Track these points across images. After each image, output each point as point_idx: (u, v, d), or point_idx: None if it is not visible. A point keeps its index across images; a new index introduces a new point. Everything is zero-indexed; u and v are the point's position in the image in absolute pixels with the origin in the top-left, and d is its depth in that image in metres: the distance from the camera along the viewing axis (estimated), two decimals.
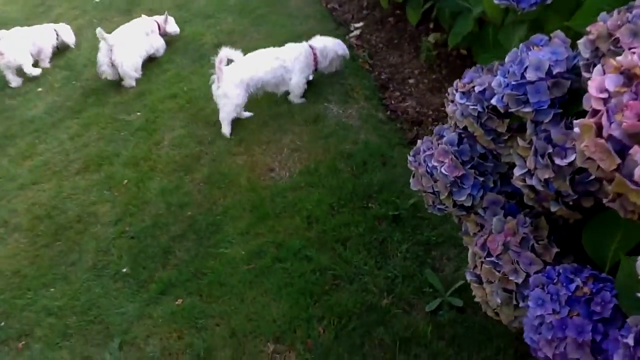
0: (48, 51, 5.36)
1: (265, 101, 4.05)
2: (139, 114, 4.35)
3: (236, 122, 3.85)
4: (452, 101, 1.67)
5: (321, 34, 4.48)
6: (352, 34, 4.95)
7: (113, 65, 4.67)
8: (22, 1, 7.27)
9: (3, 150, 4.32)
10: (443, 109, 3.49)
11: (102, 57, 4.71)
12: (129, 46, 4.73)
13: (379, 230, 2.77)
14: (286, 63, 3.80)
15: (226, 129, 3.80)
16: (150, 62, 5.04)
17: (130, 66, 4.70)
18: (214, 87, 3.76)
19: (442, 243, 2.63)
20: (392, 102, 3.92)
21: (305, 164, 3.36)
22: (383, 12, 4.98)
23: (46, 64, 5.39)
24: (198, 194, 3.38)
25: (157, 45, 5.01)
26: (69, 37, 5.53)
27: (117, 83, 4.80)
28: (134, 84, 4.79)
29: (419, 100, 3.84)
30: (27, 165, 4.14)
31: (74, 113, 4.61)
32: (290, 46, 3.88)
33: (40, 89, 5.06)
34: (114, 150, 4.00)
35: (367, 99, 3.90)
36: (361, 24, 5.09)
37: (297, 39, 4.62)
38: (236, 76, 3.68)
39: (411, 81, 4.08)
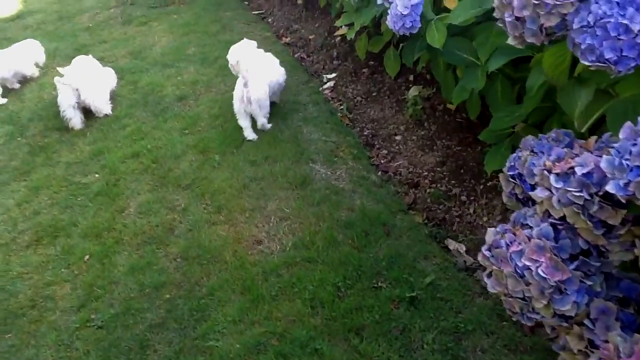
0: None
1: (242, 160, 3.67)
2: (97, 175, 3.88)
3: (210, 186, 3.47)
4: (537, 184, 1.37)
5: (290, 86, 4.20)
6: (325, 86, 4.69)
7: (77, 107, 4.45)
8: None
9: None
10: (438, 169, 3.24)
11: (65, 101, 4.43)
12: (94, 83, 4.54)
13: (397, 316, 2.43)
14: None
15: (267, 125, 4.06)
16: (104, 116, 4.58)
17: (103, 101, 4.63)
18: (239, 93, 3.89)
19: (472, 331, 2.32)
20: (382, 161, 3.65)
21: (299, 235, 3.00)
22: (356, 63, 4.75)
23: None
24: (175, 272, 2.95)
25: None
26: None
27: (68, 141, 4.34)
28: (110, 111, 4.67)
29: (410, 160, 3.58)
30: None
31: (21, 175, 4.08)
32: None
33: None
34: (71, 218, 3.51)
35: (355, 158, 3.60)
36: (334, 75, 4.84)
37: None
38: (263, 79, 3.92)
39: (398, 138, 3.83)
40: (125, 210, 3.52)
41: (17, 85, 5.21)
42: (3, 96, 5.09)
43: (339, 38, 5.35)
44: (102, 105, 4.61)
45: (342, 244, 2.90)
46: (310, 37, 5.61)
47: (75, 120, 4.50)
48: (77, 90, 4.44)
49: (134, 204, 3.55)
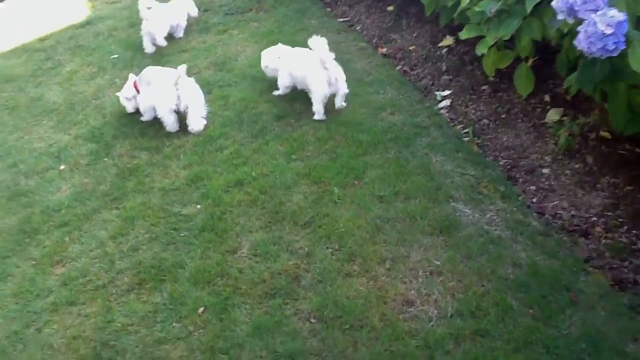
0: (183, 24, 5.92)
1: (368, 194, 3.19)
2: (198, 207, 3.43)
3: (335, 225, 2.98)
4: None
5: (404, 106, 3.98)
6: (440, 105, 4.15)
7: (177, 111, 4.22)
8: (26, 56, 6.31)
9: (24, 251, 3.38)
10: (610, 213, 2.66)
11: (165, 105, 4.26)
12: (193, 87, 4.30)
13: None
14: None
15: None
16: (198, 135, 4.15)
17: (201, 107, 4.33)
18: (324, 76, 3.93)
19: None
20: (533, 200, 3.07)
21: (459, 296, 2.48)
22: (472, 79, 4.22)
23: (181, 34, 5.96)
24: (312, 337, 2.47)
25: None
26: (193, 11, 6.06)
27: (160, 163, 3.99)
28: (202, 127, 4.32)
29: (569, 200, 3.01)
30: (58, 273, 3.18)
31: (112, 201, 3.67)
32: None
33: (63, 167, 4.11)
34: (175, 258, 3.06)
35: (504, 196, 3.07)
36: (447, 92, 4.30)
37: (378, 111, 3.87)
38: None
39: (545, 171, 3.27)
40: (237, 250, 3.06)
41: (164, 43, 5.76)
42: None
43: (445, 49, 4.80)
44: (198, 120, 4.29)
45: (519, 313, 2.37)
46: (410, 47, 5.08)
47: (174, 124, 4.29)
48: (178, 95, 4.13)
49: (247, 244, 3.08)
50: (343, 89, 3.99)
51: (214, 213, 3.38)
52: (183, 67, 4.13)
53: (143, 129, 4.40)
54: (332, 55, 3.88)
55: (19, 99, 5.32)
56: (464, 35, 3.82)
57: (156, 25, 5.67)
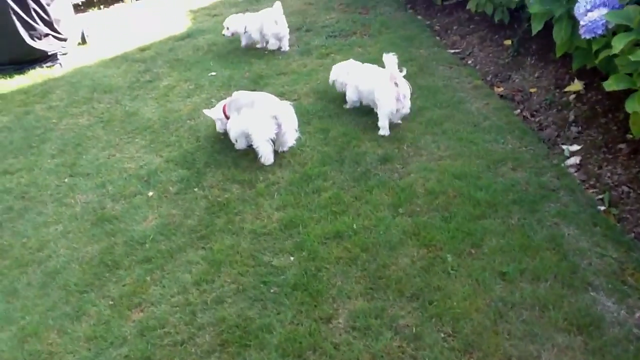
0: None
1: (487, 268, 2.72)
2: (292, 258, 3.07)
3: (447, 303, 2.60)
4: None
5: (528, 160, 3.53)
6: (568, 162, 3.60)
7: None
8: (126, 66, 6.24)
9: (103, 287, 3.17)
10: None
11: (263, 134, 4.00)
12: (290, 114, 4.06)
13: None
14: None
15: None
16: (291, 170, 3.94)
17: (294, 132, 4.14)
18: (393, 93, 3.98)
19: None
20: None
21: None
22: (607, 134, 3.68)
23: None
24: None
25: None
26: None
27: (252, 200, 3.76)
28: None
29: None
30: (135, 319, 2.91)
31: (199, 239, 3.37)
32: None
33: (151, 193, 3.87)
34: (262, 319, 2.72)
35: None
36: (577, 147, 3.72)
37: (497, 164, 3.60)
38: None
39: None
40: (332, 319, 2.67)
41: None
42: None
43: (573, 95, 4.22)
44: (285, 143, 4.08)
45: None
46: (532, 89, 4.53)
47: (270, 155, 4.05)
48: (277, 119, 3.89)
49: (344, 312, 2.68)
50: (407, 108, 4.04)
51: (308, 268, 3.00)
52: (286, 104, 3.87)
53: (237, 158, 4.11)
54: (403, 72, 3.94)
55: (115, 112, 5.20)
56: (609, 86, 3.27)
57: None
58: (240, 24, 5.87)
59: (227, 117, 4.27)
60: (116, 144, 4.65)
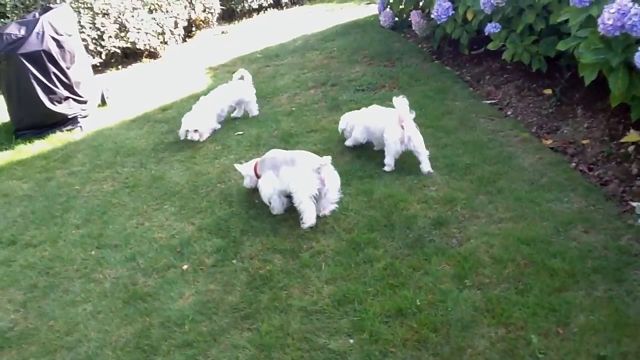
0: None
1: (582, 351, 2.34)
2: (351, 341, 2.75)
3: None
4: None
5: (599, 221, 3.28)
6: None
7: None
8: (148, 127, 6.03)
9: None
10: None
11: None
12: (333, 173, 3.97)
13: None
14: None
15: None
16: (336, 238, 3.66)
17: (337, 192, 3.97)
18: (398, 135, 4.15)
19: None
20: None
21: None
22: None
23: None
24: None
25: None
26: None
27: (297, 272, 3.49)
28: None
29: None
30: None
31: (243, 319, 3.08)
32: None
33: (186, 266, 3.56)
34: None
35: None
36: None
37: (566, 227, 3.32)
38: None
39: None
40: None
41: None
42: None
43: (631, 146, 3.93)
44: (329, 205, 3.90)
45: None
46: (584, 141, 4.25)
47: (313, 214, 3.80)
48: (319, 174, 3.73)
49: None
50: (423, 151, 4.14)
51: (371, 353, 2.67)
52: (328, 158, 3.68)
53: (275, 224, 3.82)
54: (412, 115, 4.09)
55: (140, 177, 4.95)
56: None
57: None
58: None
59: (258, 176, 3.99)
60: (144, 211, 4.38)
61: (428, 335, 2.72)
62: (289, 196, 3.84)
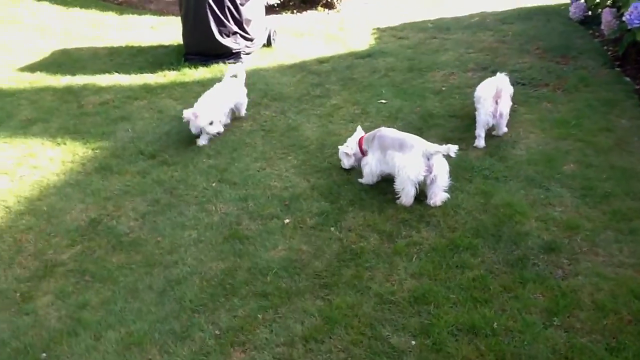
0: None
1: None
2: (413, 343, 2.79)
3: None
4: None
5: None
6: None
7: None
8: (301, 76, 6.19)
9: (215, 312, 3.21)
10: None
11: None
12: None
13: None
14: None
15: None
16: (437, 233, 3.54)
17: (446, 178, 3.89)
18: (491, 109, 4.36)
19: None
20: None
21: None
22: None
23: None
24: None
25: None
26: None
27: (387, 254, 3.42)
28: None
29: None
30: None
31: (321, 287, 3.32)
32: None
33: (288, 220, 3.84)
34: None
35: None
36: None
37: None
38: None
39: None
40: None
41: None
42: None
43: None
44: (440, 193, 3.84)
45: None
46: None
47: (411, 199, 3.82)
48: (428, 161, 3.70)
49: None
50: (501, 128, 4.53)
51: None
52: (442, 148, 3.64)
53: (383, 203, 3.82)
54: (511, 91, 4.47)
55: (277, 123, 5.15)
56: None
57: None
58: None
59: (363, 152, 3.95)
60: (269, 157, 4.57)
61: None
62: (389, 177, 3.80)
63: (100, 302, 3.23)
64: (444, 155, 3.62)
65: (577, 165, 4.07)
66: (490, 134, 4.52)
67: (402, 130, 4.10)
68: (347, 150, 4.04)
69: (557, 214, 3.56)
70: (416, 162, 3.53)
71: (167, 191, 4.22)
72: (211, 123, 4.77)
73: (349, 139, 4.14)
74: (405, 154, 3.58)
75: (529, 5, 8.40)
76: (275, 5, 8.62)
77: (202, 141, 4.77)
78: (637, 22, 5.16)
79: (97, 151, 4.86)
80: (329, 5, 8.87)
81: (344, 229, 3.62)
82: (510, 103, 4.67)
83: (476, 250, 3.30)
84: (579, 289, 2.95)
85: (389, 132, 3.85)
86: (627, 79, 5.66)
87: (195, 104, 4.76)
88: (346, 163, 4.23)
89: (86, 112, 5.62)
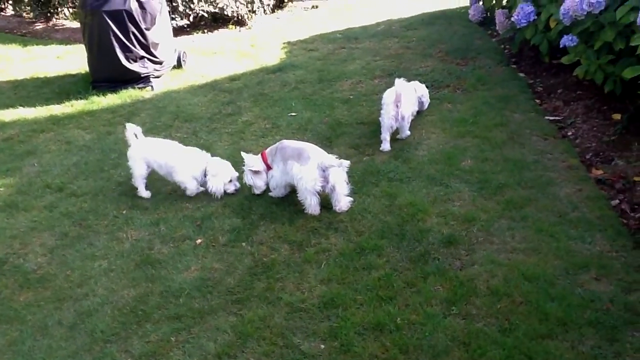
0: None
1: None
2: (322, 347, 2.85)
3: None
4: None
5: (617, 270, 3.06)
6: None
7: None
8: (212, 95, 6.23)
9: (127, 340, 3.16)
10: None
11: None
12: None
13: None
14: None
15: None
16: (345, 238, 3.49)
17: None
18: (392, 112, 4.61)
19: None
20: None
21: None
22: None
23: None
24: None
25: None
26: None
27: (297, 264, 3.37)
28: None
29: None
30: None
31: (233, 303, 3.23)
32: None
33: (199, 240, 3.76)
34: None
35: None
36: None
37: (578, 270, 3.16)
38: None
39: None
40: None
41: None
42: None
43: None
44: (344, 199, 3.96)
45: None
46: (636, 178, 3.93)
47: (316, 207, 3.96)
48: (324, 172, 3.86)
49: None
50: (404, 131, 4.81)
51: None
52: (337, 161, 3.77)
53: (293, 214, 3.91)
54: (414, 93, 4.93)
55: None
56: None
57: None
58: None
59: (269, 167, 4.10)
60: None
61: (397, 356, 2.71)
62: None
63: (7, 344, 3.15)
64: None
65: (474, 160, 4.29)
66: (395, 137, 4.67)
67: (312, 141, 4.22)
68: (254, 167, 4.07)
69: (456, 209, 3.74)
70: (312, 174, 3.64)
71: (76, 223, 4.16)
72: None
73: (248, 160, 4.13)
74: (302, 165, 3.68)
75: (432, 10, 8.76)
76: (186, 25, 8.61)
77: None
78: (524, 21, 5.52)
79: (1, 189, 4.72)
80: (240, 23, 8.97)
81: (256, 242, 3.68)
82: (415, 108, 5.02)
83: (382, 251, 3.43)
84: (476, 277, 3.12)
85: (289, 143, 3.95)
86: (522, 75, 6.02)
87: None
88: (258, 183, 4.20)
89: None
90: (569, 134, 4.83)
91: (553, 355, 2.58)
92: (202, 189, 4.28)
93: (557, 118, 5.14)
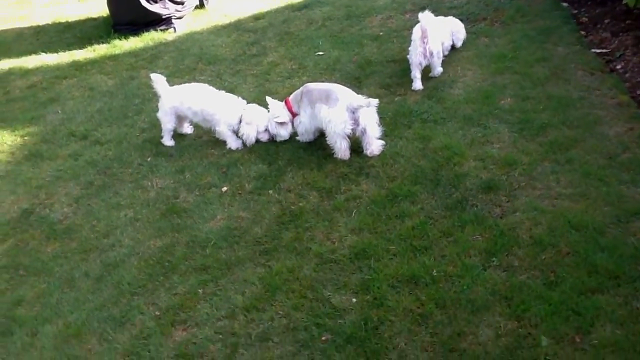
0: None
1: None
2: (354, 300, 2.75)
3: None
4: None
5: None
6: None
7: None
8: (236, 36, 5.96)
9: (154, 292, 3.09)
10: None
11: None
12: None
13: None
14: None
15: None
16: (377, 184, 3.34)
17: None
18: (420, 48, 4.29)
19: None
20: None
21: None
22: None
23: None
24: None
25: None
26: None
27: (326, 212, 3.34)
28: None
29: None
30: (176, 340, 2.82)
31: (261, 254, 3.08)
32: None
33: (225, 188, 3.64)
34: None
35: None
36: None
37: (632, 217, 2.86)
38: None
39: None
40: None
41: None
42: None
43: None
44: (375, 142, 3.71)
45: None
46: None
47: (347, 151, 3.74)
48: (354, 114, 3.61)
49: None
50: (436, 69, 4.47)
51: (369, 318, 2.55)
52: (367, 101, 3.54)
53: (322, 159, 3.73)
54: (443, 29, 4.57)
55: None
56: None
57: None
58: None
59: (294, 114, 3.90)
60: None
61: (433, 311, 2.55)
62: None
63: (36, 296, 3.11)
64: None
65: (514, 98, 4.01)
66: (427, 75, 4.39)
67: (340, 82, 3.99)
68: (280, 119, 3.86)
69: (495, 151, 3.50)
70: (341, 116, 3.43)
71: (101, 172, 4.07)
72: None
73: (273, 109, 3.96)
74: (330, 107, 3.46)
75: None
76: None
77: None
78: None
79: (26, 138, 4.64)
80: None
81: (283, 190, 3.52)
82: (449, 43, 4.74)
83: (415, 198, 3.24)
84: (517, 226, 2.91)
85: (314, 86, 3.73)
86: (565, 4, 5.57)
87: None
88: (283, 133, 4.02)
89: (13, 97, 5.34)
90: (618, 67, 4.46)
91: (604, 311, 2.39)
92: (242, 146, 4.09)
93: (604, 51, 4.75)
